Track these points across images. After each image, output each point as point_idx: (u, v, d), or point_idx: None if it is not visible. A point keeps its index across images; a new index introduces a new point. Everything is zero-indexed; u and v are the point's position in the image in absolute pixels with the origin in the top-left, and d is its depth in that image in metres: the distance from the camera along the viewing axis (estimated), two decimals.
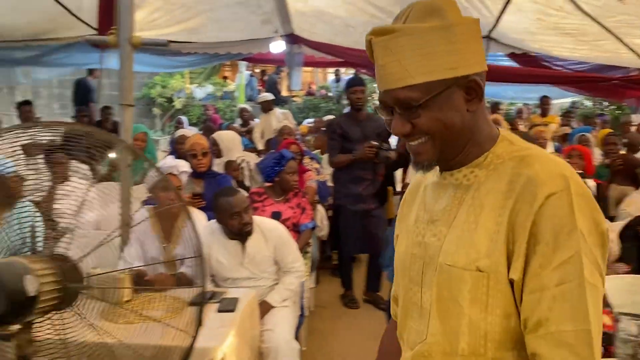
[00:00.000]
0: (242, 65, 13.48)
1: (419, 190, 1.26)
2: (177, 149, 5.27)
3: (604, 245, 1.02)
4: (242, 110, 9.11)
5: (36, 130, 1.94)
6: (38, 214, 3.03)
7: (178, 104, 12.52)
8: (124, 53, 2.77)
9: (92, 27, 6.17)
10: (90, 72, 8.54)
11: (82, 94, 8.57)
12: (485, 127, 1.13)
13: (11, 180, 2.90)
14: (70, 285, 1.36)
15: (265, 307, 3.03)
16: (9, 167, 2.94)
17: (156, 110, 12.54)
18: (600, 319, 0.99)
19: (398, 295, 1.29)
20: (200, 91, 13.07)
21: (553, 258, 0.98)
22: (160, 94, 12.49)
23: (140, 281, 2.59)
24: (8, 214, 2.92)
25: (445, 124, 1.07)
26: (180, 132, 6.01)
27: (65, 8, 5.85)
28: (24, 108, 7.01)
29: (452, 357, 1.09)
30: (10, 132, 2.12)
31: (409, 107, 1.06)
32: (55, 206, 2.91)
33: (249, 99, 13.10)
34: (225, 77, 14.59)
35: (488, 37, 6.42)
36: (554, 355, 0.97)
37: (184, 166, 3.64)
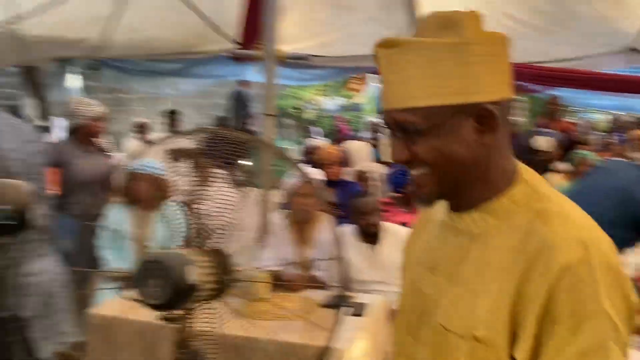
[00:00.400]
0: (372, 78, 13.62)
1: (428, 224, 1.12)
2: (309, 158, 5.47)
3: (631, 319, 0.87)
4: (372, 122, 9.23)
5: (184, 136, 2.11)
6: (185, 213, 3.29)
7: (309, 115, 12.92)
8: (268, 66, 2.95)
9: (234, 41, 6.55)
10: (242, 83, 9.08)
11: (239, 102, 9.15)
12: (502, 164, 0.97)
13: (163, 181, 3.20)
14: (225, 277, 1.48)
15: (394, 314, 3.07)
16: (161, 170, 3.23)
17: (287, 121, 13.01)
18: None
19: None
20: (330, 103, 13.39)
21: (573, 343, 0.83)
22: (292, 105, 12.95)
23: (278, 281, 2.73)
24: (161, 211, 3.20)
25: (446, 157, 0.93)
26: (311, 142, 6.22)
27: (210, 24, 6.27)
28: (170, 116, 7.59)
29: None
30: (162, 139, 2.35)
31: (407, 132, 0.94)
32: (199, 207, 3.13)
33: (377, 111, 13.21)
34: (353, 90, 14.81)
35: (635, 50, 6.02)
36: None
37: (317, 174, 3.79)
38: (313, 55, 6.07)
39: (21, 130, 2.13)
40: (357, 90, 14.61)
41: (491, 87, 0.92)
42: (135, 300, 1.32)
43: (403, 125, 0.94)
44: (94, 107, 3.72)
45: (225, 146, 1.83)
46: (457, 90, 0.90)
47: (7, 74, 6.21)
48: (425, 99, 0.91)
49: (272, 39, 2.96)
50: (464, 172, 0.94)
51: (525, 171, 0.99)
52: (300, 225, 3.25)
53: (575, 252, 0.84)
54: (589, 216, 0.94)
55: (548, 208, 0.92)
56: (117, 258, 3.15)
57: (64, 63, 6.10)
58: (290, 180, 3.30)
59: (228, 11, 6.12)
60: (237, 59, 6.96)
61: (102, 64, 6.61)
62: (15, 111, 6.60)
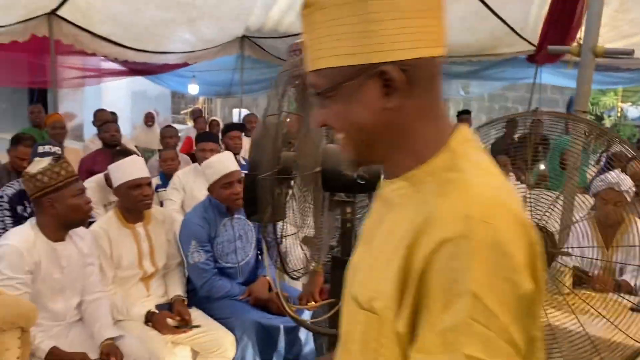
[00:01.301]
0: None
1: None
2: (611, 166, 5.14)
3: (524, 308, 0.77)
4: None
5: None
6: None
7: (608, 122, 12.04)
8: (585, 61, 2.89)
9: (531, 44, 6.49)
10: None
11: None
12: (423, 130, 0.89)
13: None
14: (550, 250, 1.57)
15: None
16: None
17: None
18: None
19: None
20: (635, 110, 12.25)
21: (439, 320, 0.77)
22: (590, 111, 12.16)
23: (582, 278, 2.67)
24: None
25: (350, 122, 0.89)
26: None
27: (511, 28, 6.32)
28: (462, 117, 7.72)
29: None
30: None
31: (317, 96, 0.91)
32: None
33: None
34: None
35: None
36: None
37: (624, 180, 3.55)
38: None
39: None
40: None
41: (398, 45, 0.83)
42: None
43: (313, 89, 0.92)
44: None
45: (522, 148, 1.88)
46: (354, 50, 0.84)
47: None
48: (325, 61, 0.87)
49: (591, 36, 2.89)
50: (373, 138, 0.90)
51: (459, 139, 0.90)
52: (606, 229, 3.15)
53: (456, 226, 0.77)
54: (511, 192, 0.86)
55: (455, 179, 0.84)
56: None
57: None
58: (597, 184, 3.23)
59: (528, 14, 6.09)
60: (532, 61, 6.84)
61: None
62: None
